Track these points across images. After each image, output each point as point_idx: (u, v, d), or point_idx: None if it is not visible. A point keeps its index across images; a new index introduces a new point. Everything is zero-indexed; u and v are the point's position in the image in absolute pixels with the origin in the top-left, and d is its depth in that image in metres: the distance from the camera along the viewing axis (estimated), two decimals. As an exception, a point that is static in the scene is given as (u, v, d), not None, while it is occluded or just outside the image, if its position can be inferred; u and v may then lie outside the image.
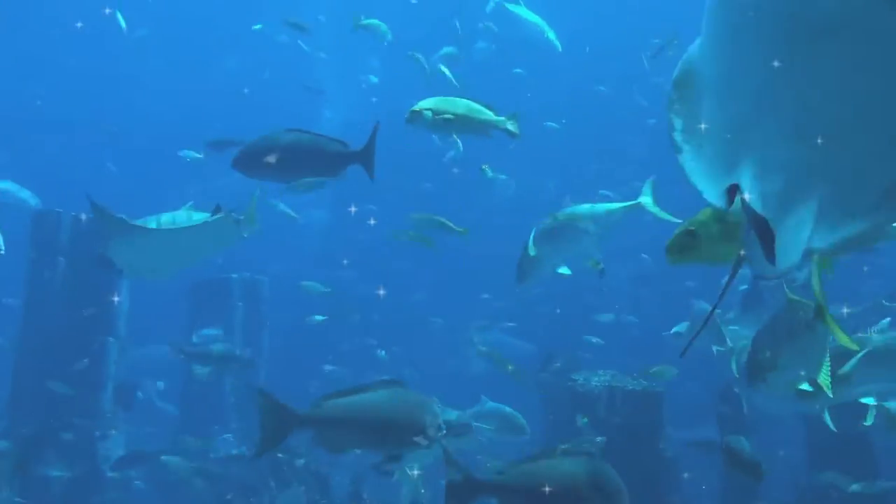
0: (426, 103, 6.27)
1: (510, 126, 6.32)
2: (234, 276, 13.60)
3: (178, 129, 15.30)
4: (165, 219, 6.51)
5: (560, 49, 14.65)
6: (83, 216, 10.92)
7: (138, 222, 6.51)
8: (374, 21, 10.91)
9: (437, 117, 6.19)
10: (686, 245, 3.28)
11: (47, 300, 10.76)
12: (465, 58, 13.85)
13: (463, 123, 6.28)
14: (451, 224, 8.06)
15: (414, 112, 6.24)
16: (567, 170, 18.40)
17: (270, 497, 10.64)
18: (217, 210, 6.54)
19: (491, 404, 8.70)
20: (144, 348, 14.67)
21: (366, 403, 4.68)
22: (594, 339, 13.31)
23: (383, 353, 12.61)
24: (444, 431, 4.89)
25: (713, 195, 2.56)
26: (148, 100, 22.54)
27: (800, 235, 2.39)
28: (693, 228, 3.28)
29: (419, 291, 19.09)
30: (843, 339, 4.19)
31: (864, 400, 5.85)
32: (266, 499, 10.61)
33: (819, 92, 2.30)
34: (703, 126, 2.54)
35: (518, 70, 16.08)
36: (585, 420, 8.81)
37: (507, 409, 8.66)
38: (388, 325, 16.80)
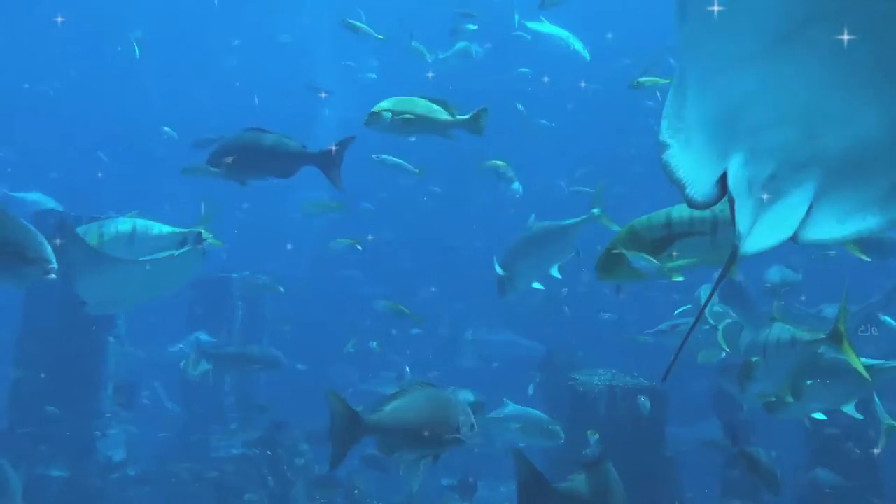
0: (385, 104, 6.06)
1: (472, 125, 6.15)
2: (235, 275, 13.60)
3: (178, 129, 15.29)
4: (108, 229, 6.07)
5: (588, 59, 14.58)
6: (84, 216, 10.91)
7: (80, 230, 6.04)
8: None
9: (396, 118, 6.00)
10: (611, 263, 3.50)
11: (47, 300, 10.75)
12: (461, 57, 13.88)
13: (423, 124, 6.10)
14: (332, 204, 8.13)
15: (373, 114, 6.04)
16: (573, 170, 18.36)
17: (270, 497, 10.64)
18: (184, 241, 6.21)
19: (518, 407, 8.40)
20: (148, 349, 14.66)
21: (414, 406, 4.79)
22: (646, 337, 13.15)
23: (374, 343, 12.65)
24: (476, 429, 4.99)
25: (700, 188, 2.50)
26: (147, 99, 22.55)
27: (788, 220, 2.35)
28: (615, 249, 3.50)
29: (423, 289, 19.07)
30: (858, 365, 4.40)
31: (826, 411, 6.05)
32: (266, 499, 10.61)
33: (805, 76, 2.27)
34: (690, 115, 2.51)
35: (524, 69, 16.02)
36: (596, 436, 8.68)
37: (538, 413, 8.38)
38: (390, 325, 16.80)
